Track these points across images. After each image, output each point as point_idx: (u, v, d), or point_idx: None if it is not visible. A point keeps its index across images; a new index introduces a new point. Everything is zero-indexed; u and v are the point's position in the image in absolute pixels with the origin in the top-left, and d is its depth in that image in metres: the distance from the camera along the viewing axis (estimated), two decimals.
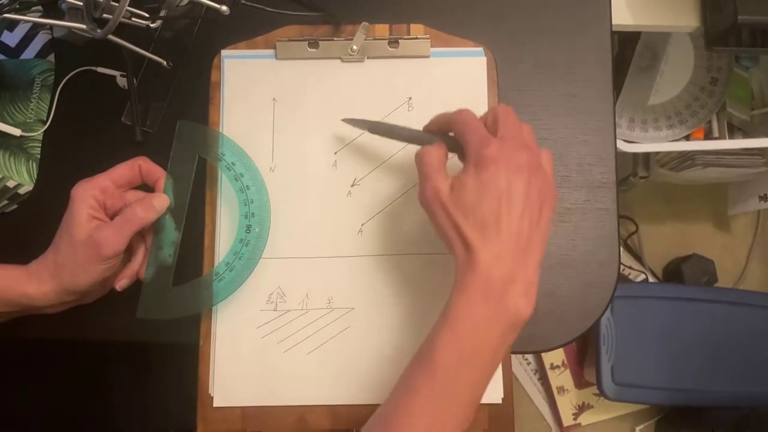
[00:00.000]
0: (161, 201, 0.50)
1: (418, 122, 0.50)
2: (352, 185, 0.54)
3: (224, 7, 0.45)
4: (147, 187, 0.52)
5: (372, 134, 0.51)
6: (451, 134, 0.47)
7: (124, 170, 0.50)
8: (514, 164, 0.41)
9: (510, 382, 0.51)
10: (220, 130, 0.54)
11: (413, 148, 0.54)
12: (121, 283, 0.50)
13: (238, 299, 0.51)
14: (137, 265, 0.50)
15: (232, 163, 0.52)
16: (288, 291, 0.52)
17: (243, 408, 0.50)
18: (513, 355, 0.52)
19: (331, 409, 0.50)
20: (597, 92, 0.57)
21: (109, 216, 0.49)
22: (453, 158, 0.46)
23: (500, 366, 0.51)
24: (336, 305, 0.52)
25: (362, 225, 0.53)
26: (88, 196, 0.47)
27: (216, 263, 0.52)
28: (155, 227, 0.51)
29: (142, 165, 0.51)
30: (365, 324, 0.52)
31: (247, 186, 0.52)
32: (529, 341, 0.53)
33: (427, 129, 0.49)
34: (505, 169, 0.41)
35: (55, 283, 0.47)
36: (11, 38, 0.59)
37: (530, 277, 0.41)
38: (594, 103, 0.56)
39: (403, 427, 0.40)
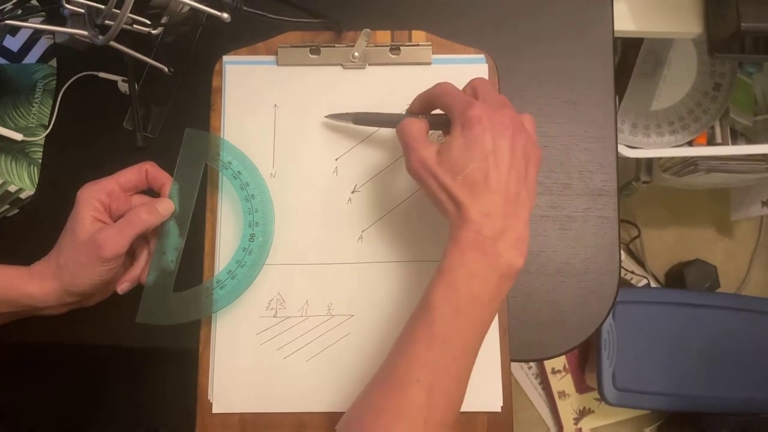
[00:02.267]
0: (166, 206, 0.50)
1: None
2: (353, 192, 0.54)
3: (225, 14, 0.45)
4: (153, 193, 0.52)
5: (357, 125, 0.53)
6: (433, 112, 0.48)
7: (131, 174, 0.50)
8: (499, 122, 0.43)
9: (510, 391, 0.51)
10: (222, 136, 0.54)
11: None
12: (123, 287, 0.50)
13: (238, 306, 0.51)
14: (139, 269, 0.51)
15: (239, 171, 0.53)
16: (288, 297, 0.52)
17: (242, 414, 0.50)
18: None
19: (330, 416, 0.50)
20: (598, 100, 0.56)
21: (113, 219, 0.49)
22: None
23: (499, 373, 0.51)
24: (336, 312, 0.52)
25: (362, 232, 0.53)
26: (93, 198, 0.48)
27: (218, 270, 0.52)
28: (159, 232, 0.51)
29: (148, 170, 0.51)
30: (365, 331, 0.52)
31: (252, 195, 0.52)
32: (530, 349, 0.53)
33: (410, 110, 0.50)
34: (490, 126, 0.42)
35: (56, 283, 0.47)
36: (13, 43, 0.59)
37: (520, 230, 0.42)
38: (595, 111, 0.56)
39: (404, 379, 0.40)
